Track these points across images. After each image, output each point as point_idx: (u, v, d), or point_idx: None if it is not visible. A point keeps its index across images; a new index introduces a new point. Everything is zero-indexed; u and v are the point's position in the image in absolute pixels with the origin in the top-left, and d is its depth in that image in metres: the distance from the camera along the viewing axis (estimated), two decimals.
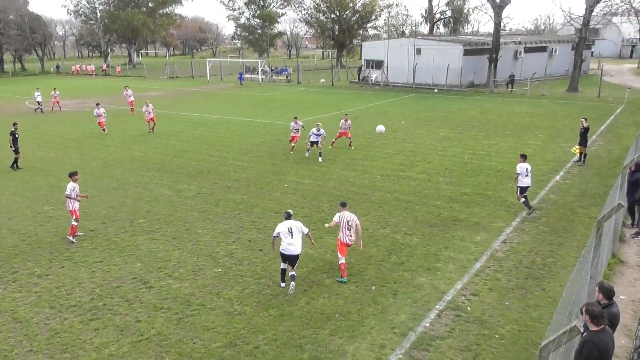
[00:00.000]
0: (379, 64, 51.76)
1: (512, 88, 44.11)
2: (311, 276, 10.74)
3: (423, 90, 45.73)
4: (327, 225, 11.17)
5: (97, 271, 11.21)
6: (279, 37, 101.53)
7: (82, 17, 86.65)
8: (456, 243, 12.31)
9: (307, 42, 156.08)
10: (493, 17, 46.72)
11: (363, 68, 54.82)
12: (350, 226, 10.49)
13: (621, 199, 11.21)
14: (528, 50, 51.86)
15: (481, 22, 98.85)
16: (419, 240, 12.53)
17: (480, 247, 12.08)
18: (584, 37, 42.24)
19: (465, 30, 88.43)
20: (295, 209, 14.82)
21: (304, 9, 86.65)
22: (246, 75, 59.42)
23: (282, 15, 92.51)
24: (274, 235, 10.18)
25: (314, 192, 16.35)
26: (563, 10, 47.47)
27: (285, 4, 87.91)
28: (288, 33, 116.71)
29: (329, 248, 12.05)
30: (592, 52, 67.01)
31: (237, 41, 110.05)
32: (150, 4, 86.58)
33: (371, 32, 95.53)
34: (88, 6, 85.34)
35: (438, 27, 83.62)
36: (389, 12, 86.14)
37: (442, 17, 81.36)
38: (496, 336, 8.61)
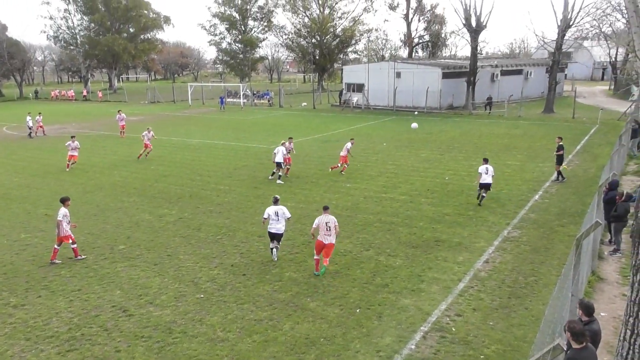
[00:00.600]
0: (359, 87, 52.45)
1: (490, 110, 45.01)
2: (295, 300, 10.64)
3: (403, 113, 46.36)
4: (311, 231, 12.09)
5: (75, 300, 10.93)
6: (260, 62, 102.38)
7: (62, 42, 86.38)
8: (439, 264, 12.35)
9: (288, 66, 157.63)
10: (470, 42, 47.97)
11: (344, 91, 55.48)
12: (329, 227, 11.67)
13: (598, 217, 11.42)
14: (504, 73, 53.17)
15: (459, 46, 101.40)
16: (402, 261, 12.55)
17: (463, 267, 12.14)
18: (557, 61, 43.59)
19: (444, 54, 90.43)
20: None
21: (285, 34, 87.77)
22: (228, 100, 59.58)
23: (264, 40, 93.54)
24: (264, 217, 12.44)
25: (297, 215, 16.31)
26: (537, 35, 49.28)
27: (267, 29, 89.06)
28: (269, 57, 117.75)
29: (313, 272, 11.98)
30: (566, 75, 69.01)
31: (218, 66, 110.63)
32: (131, 30, 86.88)
33: (352, 56, 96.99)
34: (68, 32, 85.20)
35: (417, 51, 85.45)
36: (368, 37, 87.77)
37: (420, 41, 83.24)
38: (481, 357, 8.59)
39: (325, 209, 11.89)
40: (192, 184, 20.67)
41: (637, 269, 3.52)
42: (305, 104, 57.38)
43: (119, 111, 36.36)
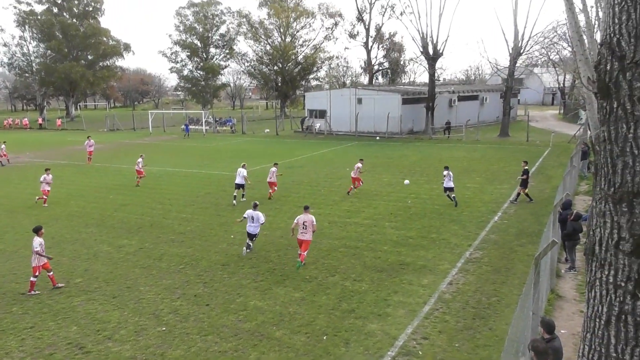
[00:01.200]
0: (322, 114, 53.05)
1: (449, 134, 46.26)
2: (261, 329, 10.44)
3: (365, 138, 47.05)
4: (291, 226, 14.19)
5: (27, 338, 10.36)
6: (222, 89, 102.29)
7: (17, 69, 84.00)
8: (405, 287, 12.42)
9: (250, 93, 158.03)
10: (427, 69, 49.52)
11: (307, 117, 55.97)
12: (305, 226, 13.66)
13: (554, 236, 11.81)
14: (461, 98, 54.96)
15: (417, 73, 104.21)
16: (368, 286, 12.55)
17: (428, 289, 12.24)
18: (510, 87, 45.52)
19: (403, 81, 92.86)
20: (242, 260, 14.54)
21: (247, 61, 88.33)
22: (190, 127, 59.11)
23: (225, 67, 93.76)
24: (244, 216, 14.86)
25: (261, 242, 16.14)
26: (490, 62, 51.63)
27: (229, 56, 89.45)
28: (232, 84, 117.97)
29: (278, 299, 11.82)
30: (519, 100, 71.94)
31: (180, 93, 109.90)
32: (89, 57, 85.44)
33: (313, 82, 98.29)
34: (23, 59, 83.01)
35: (377, 78, 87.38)
36: (329, 64, 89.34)
37: (380, 68, 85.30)
38: None
39: (306, 208, 14.01)
40: (153, 213, 20.22)
41: (591, 286, 3.64)
42: (268, 130, 57.48)
43: (88, 137, 36.37)
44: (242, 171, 21.48)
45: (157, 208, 21.08)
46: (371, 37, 78.12)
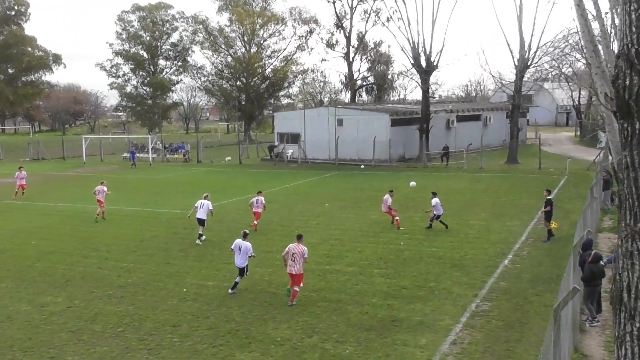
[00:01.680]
0: (294, 138, 53.40)
1: (447, 161, 46.96)
2: None
3: (348, 167, 47.39)
4: (282, 254, 15.59)
5: None
6: (174, 108, 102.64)
7: None
8: (398, 349, 12.28)
9: (208, 114, 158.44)
10: (420, 84, 50.56)
11: (276, 143, 56.19)
12: (293, 258, 14.88)
13: (576, 282, 11.90)
14: (461, 119, 56.14)
15: (408, 89, 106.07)
16: (353, 348, 12.38)
17: (427, 351, 12.13)
18: (517, 104, 46.75)
19: (391, 98, 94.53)
20: (198, 319, 14.24)
21: (204, 76, 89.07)
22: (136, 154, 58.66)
23: (178, 82, 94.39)
24: (232, 247, 16.10)
25: (221, 296, 15.87)
26: (493, 76, 52.93)
27: (182, 70, 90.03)
28: (185, 103, 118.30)
29: None
30: (528, 120, 73.82)
31: (121, 114, 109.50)
32: (10, 70, 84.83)
33: (284, 101, 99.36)
34: None
35: (360, 95, 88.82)
36: (303, 79, 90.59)
37: (364, 83, 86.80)
38: None
39: (299, 237, 15.54)
40: (86, 262, 19.79)
41: (620, 341, 3.63)
42: (229, 158, 57.43)
43: (20, 168, 36.57)
44: (206, 204, 22.10)
45: (90, 256, 20.67)
46: (353, 46, 79.92)
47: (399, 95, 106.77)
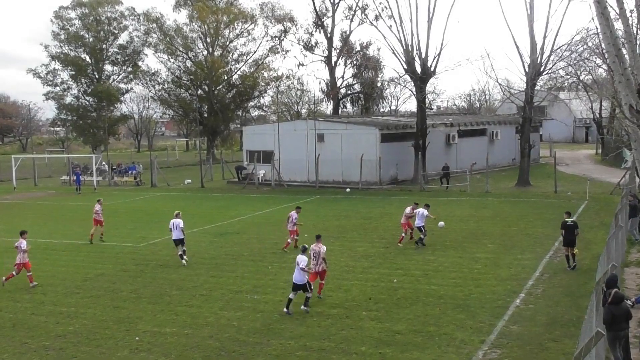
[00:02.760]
0: (267, 156, 53.44)
1: (447, 184, 47.31)
2: None
3: (330, 191, 47.49)
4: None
5: None
6: (122, 122, 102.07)
7: None
8: None
9: (163, 129, 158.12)
10: (415, 93, 51.09)
11: (245, 162, 56.18)
12: (315, 257, 18.37)
13: (599, 325, 12.03)
14: (463, 134, 56.72)
15: (401, 98, 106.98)
16: None
17: None
18: (529, 117, 47.36)
19: (381, 109, 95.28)
20: None
21: (159, 83, 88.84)
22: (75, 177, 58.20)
23: (127, 92, 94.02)
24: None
25: (181, 345, 15.77)
26: (500, 84, 53.41)
27: (132, 76, 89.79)
28: (136, 116, 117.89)
29: None
30: (541, 136, 74.83)
31: (59, 129, 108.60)
32: None
33: (255, 112, 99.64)
34: None
35: (344, 106, 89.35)
36: (277, 87, 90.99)
37: (349, 92, 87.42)
38: None
39: (317, 237, 19.06)
40: (17, 308, 19.58)
41: None
42: (189, 181, 57.20)
43: None
44: (179, 222, 24.55)
45: (23, 300, 20.45)
46: (335, 49, 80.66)
47: (390, 106, 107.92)
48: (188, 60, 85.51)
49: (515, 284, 20.40)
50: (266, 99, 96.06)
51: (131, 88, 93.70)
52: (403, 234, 27.00)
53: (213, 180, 58.77)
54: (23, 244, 21.84)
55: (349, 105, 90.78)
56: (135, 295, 20.46)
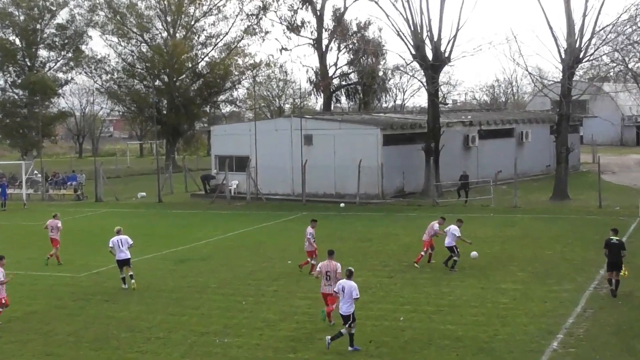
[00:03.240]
0: (241, 163, 53.29)
1: (466, 197, 47.22)
2: None
3: (320, 206, 47.34)
4: (315, 274, 21.32)
5: None
6: (61, 121, 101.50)
7: None
8: None
9: (112, 129, 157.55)
10: (425, 84, 51.00)
11: (214, 170, 55.96)
12: (329, 277, 19.81)
13: None
14: (485, 134, 56.82)
15: (408, 91, 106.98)
16: None
17: None
18: (566, 114, 47.27)
19: (383, 104, 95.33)
20: None
21: (106, 72, 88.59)
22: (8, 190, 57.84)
23: (67, 82, 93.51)
24: (335, 290, 18.91)
25: None
26: (530, 74, 52.91)
27: (72, 64, 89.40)
28: (78, 113, 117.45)
29: None
30: (582, 137, 74.95)
31: None
32: None
33: (226, 108, 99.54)
34: None
35: (338, 100, 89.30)
36: (254, 76, 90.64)
37: (344, 83, 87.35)
38: None
39: (330, 254, 20.43)
40: None
41: None
42: (143, 194, 56.98)
43: None
44: (125, 239, 26.01)
45: None
46: (327, 30, 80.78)
47: (394, 101, 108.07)
48: (143, 44, 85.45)
49: (551, 322, 20.30)
50: (240, 92, 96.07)
51: (72, 78, 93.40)
52: (422, 253, 27.92)
53: (173, 193, 58.55)
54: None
55: (343, 99, 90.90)
56: (74, 339, 20.23)
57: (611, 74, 61.90)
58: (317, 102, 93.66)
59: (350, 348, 18.14)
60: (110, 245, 25.63)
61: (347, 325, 18.12)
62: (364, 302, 23.05)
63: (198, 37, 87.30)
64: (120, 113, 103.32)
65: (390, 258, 29.82)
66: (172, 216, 46.20)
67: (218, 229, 39.58)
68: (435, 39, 49.52)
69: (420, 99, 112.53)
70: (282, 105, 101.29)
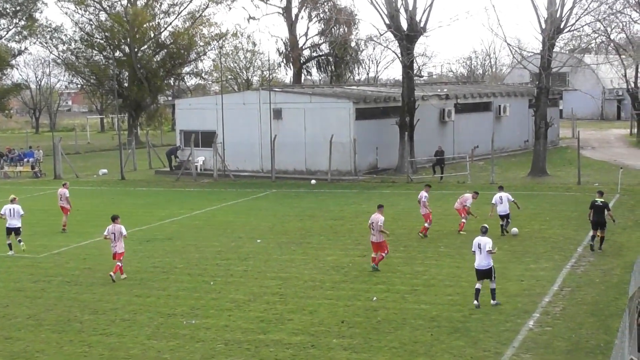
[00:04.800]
0: (207, 138, 53.09)
1: (442, 173, 47.53)
2: None
3: (290, 183, 47.44)
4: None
5: None
6: (15, 94, 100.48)
7: None
8: None
9: (70, 103, 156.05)
10: (399, 56, 51.06)
11: (179, 146, 55.79)
12: (372, 227, 23.85)
13: (633, 352, 12.28)
14: (462, 109, 57.05)
15: (381, 63, 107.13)
16: None
17: None
18: (545, 88, 47.59)
19: (356, 77, 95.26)
20: None
21: (63, 43, 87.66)
22: None
23: (20, 53, 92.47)
24: (472, 249, 20.86)
25: None
26: (509, 45, 52.91)
27: (26, 33, 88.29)
28: (33, 86, 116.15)
29: None
30: (562, 111, 75.41)
31: None
32: None
33: (191, 81, 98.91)
34: None
35: (309, 72, 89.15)
36: (220, 47, 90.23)
37: (315, 55, 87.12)
38: None
39: (379, 207, 24.66)
40: None
41: None
42: (105, 171, 56.64)
43: None
44: (17, 209, 28.54)
45: None
46: None
47: (367, 74, 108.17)
48: (102, 12, 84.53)
49: (527, 302, 20.61)
50: (206, 64, 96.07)
51: (25, 48, 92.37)
52: (463, 220, 30.42)
53: (137, 169, 58.29)
54: None
55: (314, 71, 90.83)
56: (35, 322, 20.15)
57: (592, 45, 62.31)
58: (286, 74, 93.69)
59: (492, 302, 20.00)
60: (2, 212, 28.30)
61: (490, 280, 20.04)
62: (335, 282, 23.33)
63: (160, 5, 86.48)
64: (79, 86, 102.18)
65: (362, 236, 29.98)
66: (135, 194, 46.06)
67: (184, 207, 39.56)
68: (411, 7, 49.50)
69: (395, 72, 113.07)
70: (250, 77, 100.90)
